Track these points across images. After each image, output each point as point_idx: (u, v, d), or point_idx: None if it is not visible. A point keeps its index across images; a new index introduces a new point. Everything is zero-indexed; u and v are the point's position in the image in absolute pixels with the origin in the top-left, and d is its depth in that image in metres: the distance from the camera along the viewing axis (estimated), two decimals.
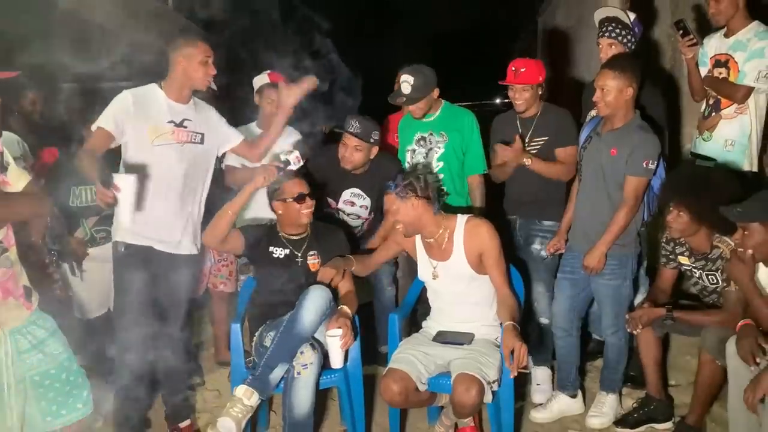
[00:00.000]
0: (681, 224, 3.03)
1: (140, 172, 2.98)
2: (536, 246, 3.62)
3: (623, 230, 3.17)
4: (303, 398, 2.91)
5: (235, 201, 3.14)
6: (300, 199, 3.18)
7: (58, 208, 3.35)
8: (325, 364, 3.06)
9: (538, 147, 3.57)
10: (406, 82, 3.57)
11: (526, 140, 3.58)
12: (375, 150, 3.63)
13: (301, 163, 3.21)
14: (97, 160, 2.81)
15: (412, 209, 3.02)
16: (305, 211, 3.20)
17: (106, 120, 2.97)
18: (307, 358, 2.92)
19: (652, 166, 3.10)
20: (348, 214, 3.77)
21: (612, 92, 3.09)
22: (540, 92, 3.56)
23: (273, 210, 3.26)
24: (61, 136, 4.01)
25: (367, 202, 3.75)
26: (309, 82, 3.30)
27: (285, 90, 3.33)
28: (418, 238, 3.21)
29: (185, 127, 3.09)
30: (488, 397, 2.82)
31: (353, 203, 3.74)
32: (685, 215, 3.00)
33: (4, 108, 2.28)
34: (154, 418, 3.49)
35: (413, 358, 2.96)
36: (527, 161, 3.48)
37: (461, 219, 3.11)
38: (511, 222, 3.76)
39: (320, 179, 3.55)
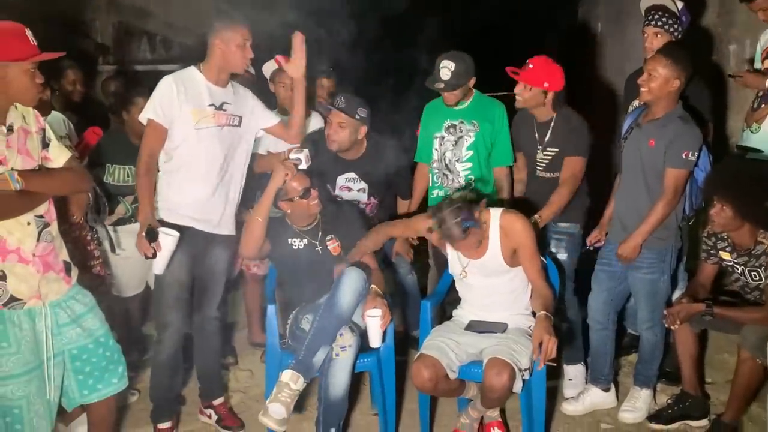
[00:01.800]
0: (724, 219, 2.96)
1: (182, 154, 3.02)
2: (552, 249, 3.53)
3: (661, 222, 3.11)
4: (340, 380, 2.92)
5: (261, 206, 3.10)
6: (306, 195, 3.14)
7: (100, 186, 3.41)
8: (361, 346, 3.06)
9: (549, 157, 3.49)
10: (447, 68, 3.51)
11: (540, 147, 3.50)
12: (363, 130, 3.54)
13: (310, 162, 3.17)
14: (150, 190, 3.00)
15: (477, 237, 2.90)
16: (313, 203, 3.17)
17: (154, 110, 2.99)
18: (346, 340, 2.94)
19: (692, 158, 3.03)
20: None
21: (658, 79, 3.02)
22: (548, 98, 3.40)
23: (280, 209, 3.23)
24: (101, 116, 4.08)
25: (364, 185, 3.67)
26: (298, 40, 3.19)
27: (288, 65, 3.24)
28: None
29: (225, 110, 3.10)
30: (518, 385, 2.80)
31: (350, 188, 3.67)
32: (728, 210, 2.93)
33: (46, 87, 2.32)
34: (188, 396, 3.54)
35: (445, 346, 2.95)
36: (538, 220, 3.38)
37: (495, 213, 3.02)
38: None
39: (315, 167, 3.37)
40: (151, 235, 2.92)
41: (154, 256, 2.93)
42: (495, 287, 3.10)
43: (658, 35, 3.44)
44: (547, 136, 3.48)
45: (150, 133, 3.02)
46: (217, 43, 3.02)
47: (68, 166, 2.36)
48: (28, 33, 2.18)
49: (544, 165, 3.51)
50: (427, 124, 3.83)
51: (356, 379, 3.52)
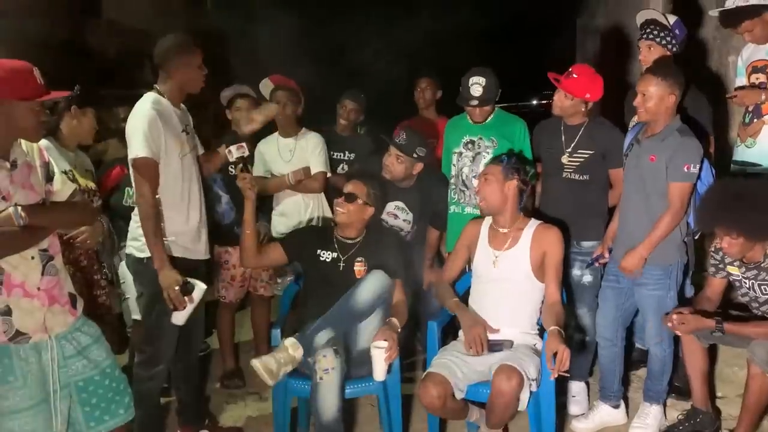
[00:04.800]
0: (737, 246, 2.91)
1: (169, 185, 2.97)
2: (576, 271, 3.51)
3: (666, 235, 3.10)
4: (329, 403, 2.88)
5: (246, 221, 3.23)
6: (338, 194, 3.25)
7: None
8: (367, 371, 3.06)
9: (581, 160, 3.47)
10: (478, 84, 3.53)
11: (568, 150, 3.48)
12: (419, 166, 3.63)
13: (246, 152, 3.19)
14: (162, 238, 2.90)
15: (506, 190, 3.08)
16: (337, 208, 3.23)
17: (149, 148, 2.86)
18: (328, 363, 2.90)
19: (694, 170, 3.03)
20: (390, 226, 3.76)
21: (653, 98, 3.04)
22: (584, 109, 3.44)
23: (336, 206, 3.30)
24: None
25: (410, 217, 3.75)
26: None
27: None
28: (484, 227, 3.23)
29: (188, 133, 3.09)
30: (525, 395, 2.81)
31: (396, 216, 3.73)
32: (738, 236, 2.87)
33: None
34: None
35: (452, 364, 2.96)
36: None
37: (534, 221, 3.19)
38: None
39: None
40: (188, 289, 2.91)
41: (184, 308, 2.92)
42: (510, 295, 3.12)
43: (651, 48, 3.48)
44: (576, 139, 3.48)
45: (150, 173, 2.89)
46: (175, 67, 2.97)
47: (72, 200, 2.37)
48: (36, 72, 2.18)
49: (573, 167, 3.49)
50: (447, 140, 3.85)
51: (364, 402, 3.52)
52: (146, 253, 2.94)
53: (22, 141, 2.26)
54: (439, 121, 4.56)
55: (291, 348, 2.94)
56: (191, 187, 3.06)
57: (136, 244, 3.00)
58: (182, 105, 3.11)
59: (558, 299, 3.06)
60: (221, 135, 3.96)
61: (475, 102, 3.55)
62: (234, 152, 3.17)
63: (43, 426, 2.28)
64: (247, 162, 3.21)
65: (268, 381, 2.91)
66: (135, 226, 3.00)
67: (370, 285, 3.03)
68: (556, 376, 2.76)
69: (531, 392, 2.84)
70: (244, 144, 3.18)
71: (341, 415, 2.91)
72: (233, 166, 3.21)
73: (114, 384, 2.48)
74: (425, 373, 2.97)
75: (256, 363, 2.90)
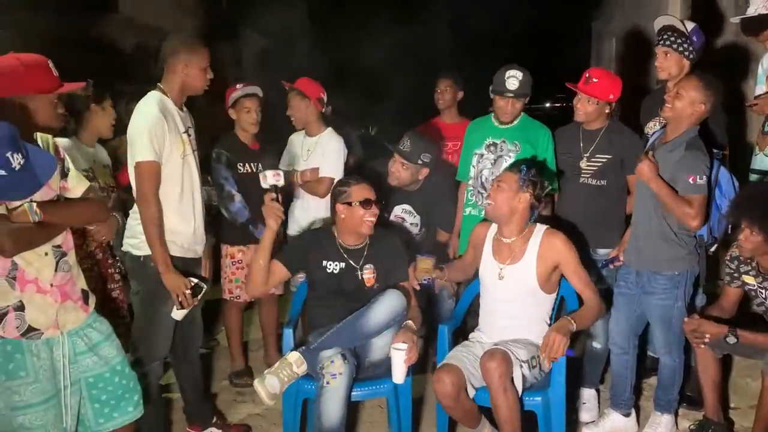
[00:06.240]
0: (753, 244, 2.89)
1: (171, 185, 2.95)
2: (592, 279, 3.48)
3: (668, 200, 2.98)
4: (332, 408, 2.83)
5: (261, 249, 3.03)
6: (366, 204, 3.08)
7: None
8: (375, 374, 3.06)
9: (599, 165, 3.45)
10: (514, 77, 3.54)
11: (587, 155, 3.47)
12: (425, 171, 3.62)
13: (282, 182, 2.96)
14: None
15: (516, 202, 3.01)
16: (368, 219, 3.09)
17: (153, 151, 2.84)
18: (336, 368, 2.86)
19: (700, 182, 2.98)
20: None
21: (685, 99, 3.01)
22: (608, 111, 3.43)
23: (336, 212, 3.14)
24: None
25: (417, 220, 3.74)
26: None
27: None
28: (489, 236, 3.18)
29: (190, 135, 3.06)
30: (518, 376, 2.82)
31: (403, 219, 3.72)
32: (758, 234, 2.86)
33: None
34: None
35: (465, 359, 2.97)
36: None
37: (539, 227, 3.10)
38: None
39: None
40: (198, 291, 2.96)
41: (189, 307, 2.96)
42: (518, 310, 3.08)
43: (668, 55, 3.45)
44: (595, 144, 3.47)
45: (153, 176, 2.86)
46: (180, 66, 2.94)
47: (86, 197, 2.38)
48: (51, 65, 2.21)
49: (591, 172, 3.48)
50: (468, 141, 3.83)
51: (373, 403, 3.53)
52: (143, 251, 2.94)
53: (39, 137, 2.27)
54: (460, 123, 4.52)
55: (295, 364, 2.91)
56: (192, 188, 3.05)
57: (133, 241, 2.98)
58: (184, 108, 3.08)
59: (591, 295, 3.00)
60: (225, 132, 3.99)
61: (510, 94, 3.55)
62: (269, 179, 2.93)
63: (53, 421, 2.29)
64: (279, 192, 2.96)
65: (267, 402, 2.92)
66: (133, 223, 2.98)
67: (385, 306, 2.97)
68: (548, 362, 2.83)
69: (524, 376, 2.86)
70: (281, 172, 2.97)
71: (344, 422, 2.87)
72: (264, 192, 3.01)
73: (124, 381, 2.48)
74: (438, 365, 2.98)
75: (258, 386, 2.89)
